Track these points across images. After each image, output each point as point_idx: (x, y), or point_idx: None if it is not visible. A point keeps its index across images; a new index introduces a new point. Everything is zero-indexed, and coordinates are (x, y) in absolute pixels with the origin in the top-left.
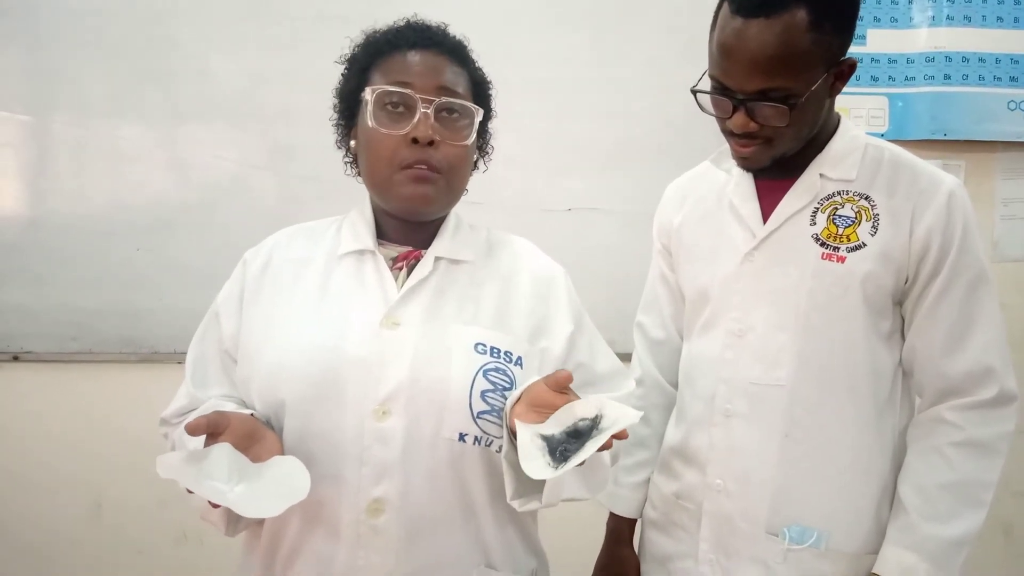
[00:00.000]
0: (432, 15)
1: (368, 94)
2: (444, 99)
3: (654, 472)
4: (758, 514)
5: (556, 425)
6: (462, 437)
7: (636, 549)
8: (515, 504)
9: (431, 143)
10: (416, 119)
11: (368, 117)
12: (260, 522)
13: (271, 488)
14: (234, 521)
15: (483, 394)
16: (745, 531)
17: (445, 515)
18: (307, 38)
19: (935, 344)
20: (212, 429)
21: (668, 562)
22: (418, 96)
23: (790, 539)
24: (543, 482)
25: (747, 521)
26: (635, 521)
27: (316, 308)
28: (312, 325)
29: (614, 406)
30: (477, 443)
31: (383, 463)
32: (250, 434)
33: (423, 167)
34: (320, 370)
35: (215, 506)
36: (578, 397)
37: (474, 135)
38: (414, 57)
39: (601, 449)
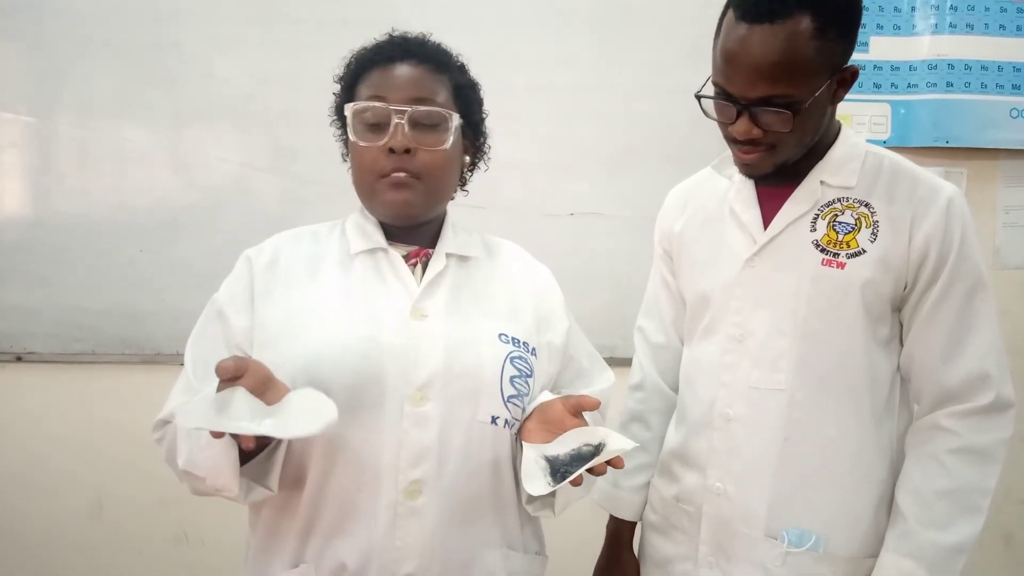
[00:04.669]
0: (433, 20)
1: (348, 111)
2: (417, 108)
3: (654, 475)
4: (757, 517)
5: (562, 446)
6: (494, 420)
7: (636, 552)
8: (529, 509)
9: (407, 151)
10: (391, 129)
11: (350, 132)
12: (286, 501)
13: (300, 414)
14: (245, 487)
15: (511, 379)
16: (744, 534)
17: (478, 496)
18: (310, 41)
19: (932, 351)
20: (237, 373)
21: (668, 565)
22: (392, 108)
23: (789, 542)
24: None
25: (746, 524)
26: (635, 524)
27: (343, 301)
28: (344, 318)
29: (616, 437)
30: (507, 425)
31: (421, 446)
32: (266, 379)
33: (401, 174)
34: (359, 359)
35: (235, 439)
36: (587, 423)
37: (451, 140)
38: (392, 70)
39: (594, 472)
